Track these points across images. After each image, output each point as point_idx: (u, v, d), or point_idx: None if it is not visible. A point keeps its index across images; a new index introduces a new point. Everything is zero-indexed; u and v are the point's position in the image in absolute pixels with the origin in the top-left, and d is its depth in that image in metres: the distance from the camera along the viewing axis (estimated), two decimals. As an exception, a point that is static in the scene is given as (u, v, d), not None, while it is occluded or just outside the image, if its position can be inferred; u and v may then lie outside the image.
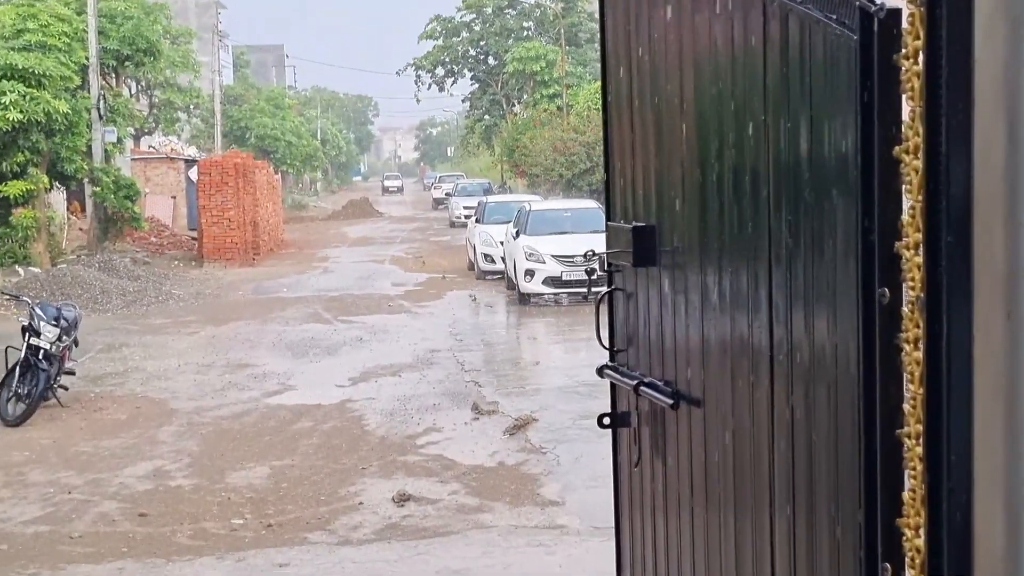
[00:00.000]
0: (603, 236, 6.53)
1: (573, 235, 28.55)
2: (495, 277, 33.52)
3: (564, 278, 27.76)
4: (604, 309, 6.50)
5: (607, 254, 6.28)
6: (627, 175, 6.20)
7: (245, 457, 14.58)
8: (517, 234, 29.50)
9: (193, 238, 46.87)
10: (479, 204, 39.48)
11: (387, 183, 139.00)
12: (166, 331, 25.50)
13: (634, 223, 5.99)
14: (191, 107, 69.60)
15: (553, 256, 27.88)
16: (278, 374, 19.78)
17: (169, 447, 15.22)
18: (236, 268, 40.09)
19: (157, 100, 62.07)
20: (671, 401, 5.58)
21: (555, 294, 27.82)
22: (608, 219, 6.42)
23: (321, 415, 16.85)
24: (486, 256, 33.69)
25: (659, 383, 5.81)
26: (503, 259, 31.84)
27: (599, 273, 7.17)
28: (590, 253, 8.37)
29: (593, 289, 12.38)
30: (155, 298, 31.01)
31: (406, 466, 13.91)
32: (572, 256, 27.21)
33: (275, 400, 17.84)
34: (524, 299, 28.20)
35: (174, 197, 56.20)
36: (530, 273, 28.03)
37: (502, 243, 32.12)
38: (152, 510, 12.39)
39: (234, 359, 21.39)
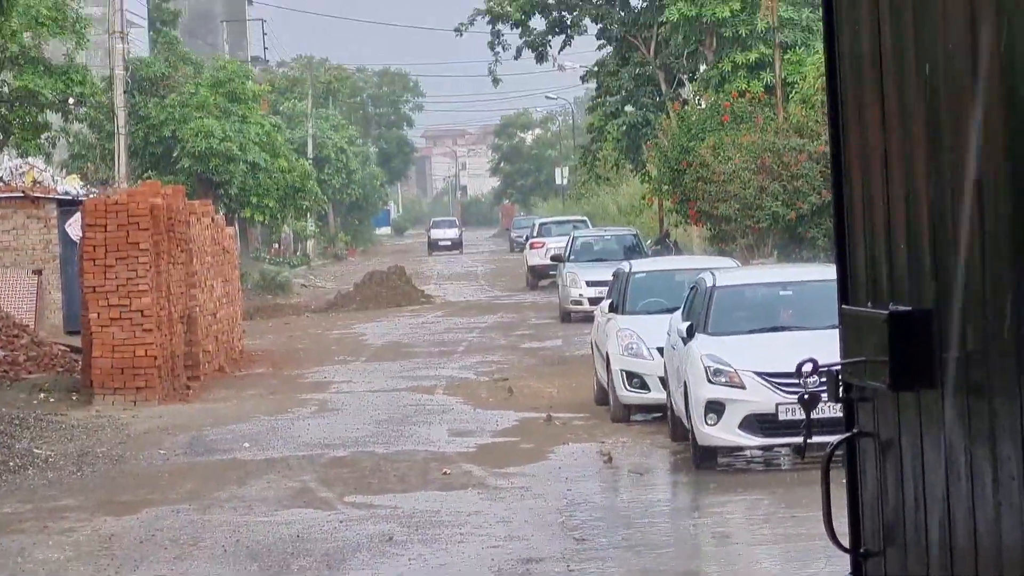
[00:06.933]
0: (835, 335, 5.90)
1: (796, 334, 22.49)
2: (648, 417, 27.38)
3: (782, 416, 21.23)
4: (840, 473, 5.75)
5: (842, 367, 5.50)
6: (875, 215, 5.21)
7: None
8: (691, 333, 23.04)
9: (74, 350, 37.99)
10: (616, 276, 32.27)
11: (436, 234, 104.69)
12: (21, 528, 20.58)
13: (892, 307, 5.09)
14: (70, 103, 50.47)
15: (759, 374, 21.72)
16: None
17: None
18: (154, 406, 32.68)
19: (7, 90, 46.08)
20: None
21: (765, 448, 21.80)
22: (843, 300, 5.62)
23: None
24: (630, 377, 27.53)
25: None
26: (663, 381, 25.86)
27: (827, 405, 6.47)
28: (808, 367, 6.70)
29: (814, 438, 9.52)
30: (2, 465, 25.00)
31: None
32: (794, 376, 21.31)
33: None
34: (704, 458, 21.78)
35: (38, 272, 45.03)
36: (716, 408, 21.57)
37: (660, 351, 26.20)
38: None
39: (150, 586, 18.44)
